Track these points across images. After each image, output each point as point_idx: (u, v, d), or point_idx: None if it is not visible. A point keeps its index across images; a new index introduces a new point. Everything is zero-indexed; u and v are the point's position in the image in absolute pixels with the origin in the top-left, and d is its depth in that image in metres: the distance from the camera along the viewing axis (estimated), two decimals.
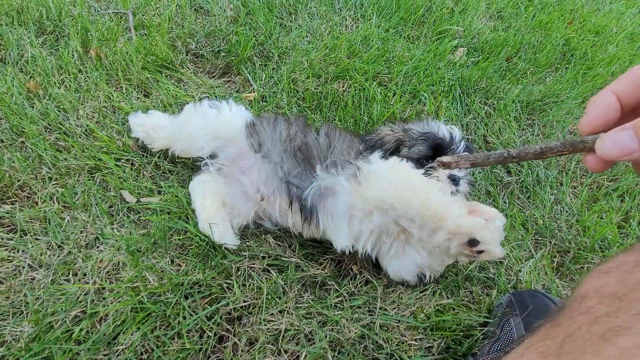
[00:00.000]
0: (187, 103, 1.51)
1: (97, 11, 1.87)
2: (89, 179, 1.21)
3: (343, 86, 1.68)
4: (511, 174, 1.48)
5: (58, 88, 1.43)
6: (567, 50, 2.13)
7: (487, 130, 1.61)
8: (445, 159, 0.54)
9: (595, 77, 1.93)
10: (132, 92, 1.51)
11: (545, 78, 1.94)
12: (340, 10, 2.15)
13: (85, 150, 1.26)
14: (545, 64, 1.97)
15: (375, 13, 2.13)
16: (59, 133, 1.31)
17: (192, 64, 1.74)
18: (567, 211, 1.37)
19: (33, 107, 1.36)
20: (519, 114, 1.70)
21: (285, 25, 2.01)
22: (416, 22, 2.16)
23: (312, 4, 2.16)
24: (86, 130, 1.33)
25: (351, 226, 0.97)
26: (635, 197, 1.41)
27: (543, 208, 1.36)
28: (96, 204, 1.14)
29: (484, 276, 1.18)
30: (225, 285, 1.02)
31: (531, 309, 0.89)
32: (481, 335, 0.96)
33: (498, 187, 1.43)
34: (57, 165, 1.21)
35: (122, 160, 1.27)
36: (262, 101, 1.60)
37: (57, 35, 1.71)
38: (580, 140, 0.47)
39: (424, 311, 1.04)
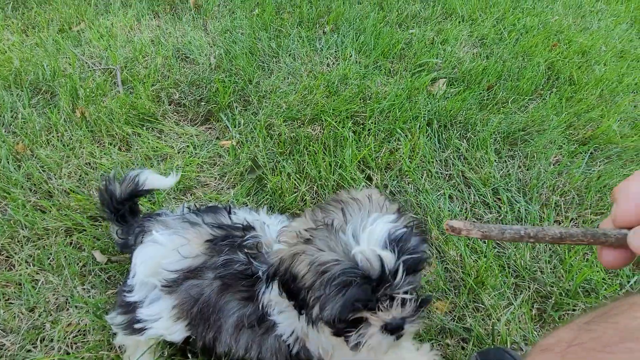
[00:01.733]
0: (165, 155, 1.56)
1: (90, 67, 2.00)
2: (65, 239, 1.25)
3: (318, 128, 1.70)
4: (491, 210, 1.44)
5: (44, 149, 1.51)
6: (552, 74, 2.10)
7: (466, 165, 1.58)
8: (455, 223, 0.47)
9: (579, 101, 1.89)
10: (114, 147, 1.58)
11: (528, 105, 1.91)
12: (322, 50, 2.21)
13: (63, 210, 1.31)
14: (527, 91, 1.95)
15: (354, 50, 2.18)
16: (41, 193, 1.38)
17: (175, 113, 1.81)
18: (550, 249, 1.31)
19: (19, 169, 1.43)
20: (500, 145, 1.67)
21: (267, 68, 2.08)
22: (396, 56, 2.19)
23: (294, 45, 2.23)
24: (67, 189, 1.39)
25: None
26: None
27: (524, 247, 1.31)
28: (68, 266, 1.17)
29: (462, 326, 1.13)
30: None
31: None
32: None
33: None
34: (35, 227, 1.25)
35: (98, 219, 1.31)
36: (239, 148, 1.63)
37: (50, 94, 1.82)
38: (602, 233, 0.44)
39: None
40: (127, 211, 1.09)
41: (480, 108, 1.85)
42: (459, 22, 2.54)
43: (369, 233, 0.64)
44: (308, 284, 0.70)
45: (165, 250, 0.91)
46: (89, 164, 1.51)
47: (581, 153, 1.65)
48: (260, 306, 0.85)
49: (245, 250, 0.88)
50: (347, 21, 2.43)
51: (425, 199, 1.44)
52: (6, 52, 2.03)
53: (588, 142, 1.71)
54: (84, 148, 1.54)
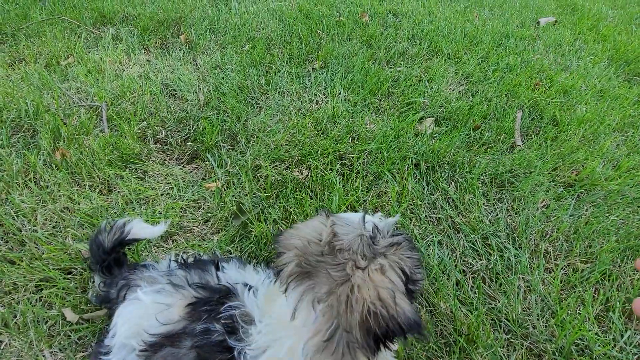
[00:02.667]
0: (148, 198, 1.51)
1: (76, 104, 1.97)
2: (34, 294, 1.18)
3: (305, 171, 1.68)
4: (481, 257, 1.42)
5: (20, 194, 1.45)
6: (536, 114, 2.14)
7: (454, 209, 1.57)
8: None
9: (564, 142, 1.92)
10: (94, 190, 1.53)
11: (514, 146, 1.93)
12: (311, 87, 2.23)
13: (34, 262, 1.24)
14: (513, 131, 1.98)
15: (343, 88, 2.21)
16: (13, 242, 1.31)
17: (160, 152, 1.78)
18: (542, 300, 1.29)
19: None
20: (488, 188, 1.67)
21: (255, 105, 2.08)
22: (384, 94, 2.22)
23: (283, 82, 2.25)
24: (42, 236, 1.33)
25: None
26: (615, 281, 1.32)
27: (515, 298, 1.28)
28: (34, 326, 1.09)
29: None
30: None
31: None
32: None
33: (467, 275, 1.36)
34: (2, 282, 1.18)
35: (71, 271, 1.24)
36: (225, 190, 1.60)
37: (32, 132, 1.78)
38: None
39: None
40: (112, 261, 1.04)
41: (468, 149, 1.86)
42: (445, 60, 2.61)
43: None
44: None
45: (148, 311, 0.87)
46: (67, 208, 1.45)
47: (568, 197, 1.66)
48: None
49: (222, 321, 0.84)
50: (337, 58, 2.47)
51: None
52: None
53: (574, 185, 1.72)
54: (62, 192, 1.48)
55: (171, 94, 2.14)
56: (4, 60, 2.25)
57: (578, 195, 1.67)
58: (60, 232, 1.36)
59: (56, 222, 1.40)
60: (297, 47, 2.56)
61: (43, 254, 1.26)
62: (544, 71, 2.58)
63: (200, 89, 2.15)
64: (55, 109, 1.89)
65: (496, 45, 2.85)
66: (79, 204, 1.45)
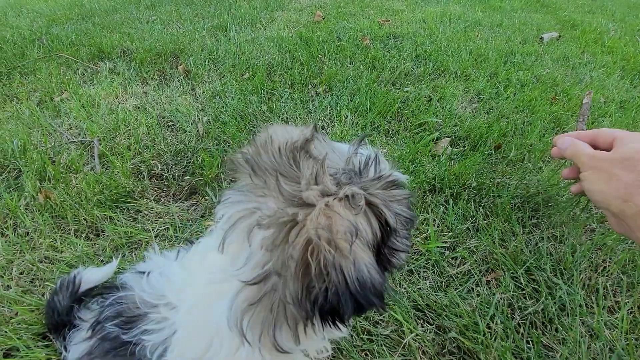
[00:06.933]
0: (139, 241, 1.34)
1: (67, 140, 1.84)
2: None
3: None
4: (530, 297, 1.21)
5: None
6: (559, 130, 2.00)
7: (491, 240, 1.38)
8: None
9: None
10: (80, 234, 1.36)
11: (546, 162, 1.77)
12: (315, 112, 2.11)
13: (3, 327, 1.04)
14: (537, 148, 1.82)
15: (350, 111, 2.09)
16: None
17: (155, 189, 1.62)
18: (610, 349, 1.06)
19: None
20: (522, 213, 1.48)
21: (258, 133, 1.95)
22: (393, 116, 2.09)
23: (287, 108, 2.13)
24: (14, 294, 1.14)
25: None
26: None
27: (576, 347, 1.06)
28: None
29: None
30: None
31: None
32: None
33: (515, 321, 1.15)
34: None
35: (47, 336, 1.04)
36: None
37: (17, 172, 1.63)
38: None
39: None
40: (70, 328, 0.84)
41: (492, 170, 1.70)
42: (453, 78, 2.51)
43: None
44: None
45: None
46: (47, 258, 1.27)
47: None
48: None
49: None
50: (340, 82, 2.38)
51: (447, 292, 1.21)
52: None
53: None
54: (43, 239, 1.31)
55: (168, 125, 2.02)
56: None
57: None
58: (38, 286, 1.17)
59: (34, 275, 1.22)
60: (299, 72, 2.47)
61: (17, 314, 1.07)
62: (557, 85, 2.46)
63: (199, 119, 2.04)
64: (45, 147, 1.76)
65: (503, 62, 2.76)
66: (61, 252, 1.28)
